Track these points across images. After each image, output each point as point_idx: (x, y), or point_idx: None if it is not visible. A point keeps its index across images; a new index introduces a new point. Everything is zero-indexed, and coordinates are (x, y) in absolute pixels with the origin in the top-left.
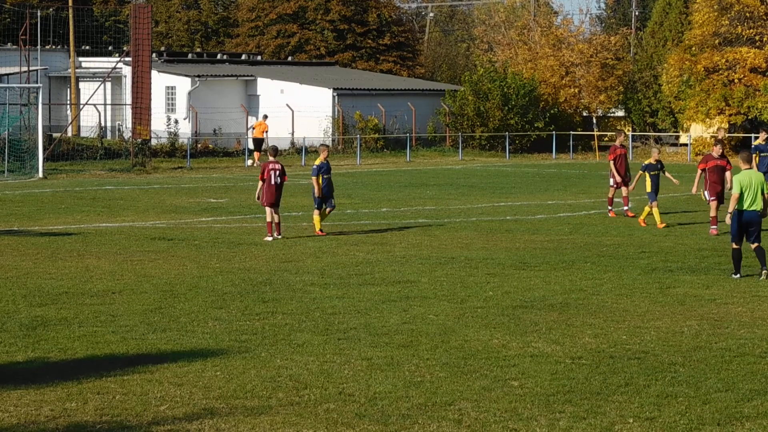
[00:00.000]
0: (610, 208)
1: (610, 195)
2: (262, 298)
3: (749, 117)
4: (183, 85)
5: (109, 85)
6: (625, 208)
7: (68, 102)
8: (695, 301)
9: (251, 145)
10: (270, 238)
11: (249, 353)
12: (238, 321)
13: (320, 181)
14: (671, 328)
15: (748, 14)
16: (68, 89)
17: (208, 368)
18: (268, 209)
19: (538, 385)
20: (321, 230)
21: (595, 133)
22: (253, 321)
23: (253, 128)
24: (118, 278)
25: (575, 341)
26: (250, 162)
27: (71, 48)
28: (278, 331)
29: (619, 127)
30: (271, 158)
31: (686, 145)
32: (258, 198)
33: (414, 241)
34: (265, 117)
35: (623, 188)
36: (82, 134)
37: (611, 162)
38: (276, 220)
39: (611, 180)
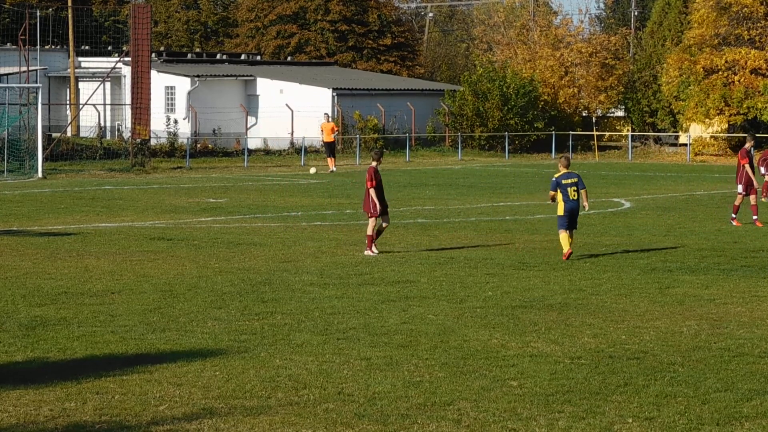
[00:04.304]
0: (734, 216)
1: (737, 203)
2: (262, 298)
3: (749, 117)
4: (182, 85)
5: (108, 85)
6: (755, 217)
7: (68, 102)
8: (694, 301)
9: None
10: (375, 252)
11: (248, 353)
12: (237, 321)
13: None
14: (670, 328)
15: (746, 14)
16: (68, 89)
17: (207, 368)
18: (373, 220)
19: (537, 385)
20: (569, 252)
21: (595, 133)
22: (252, 321)
23: (322, 131)
24: (118, 278)
25: (574, 341)
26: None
27: (71, 48)
28: (277, 331)
29: (750, 136)
30: (374, 163)
31: (686, 145)
32: (372, 208)
33: (413, 241)
34: (327, 116)
35: (752, 196)
36: (82, 134)
37: (746, 166)
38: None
39: (739, 187)
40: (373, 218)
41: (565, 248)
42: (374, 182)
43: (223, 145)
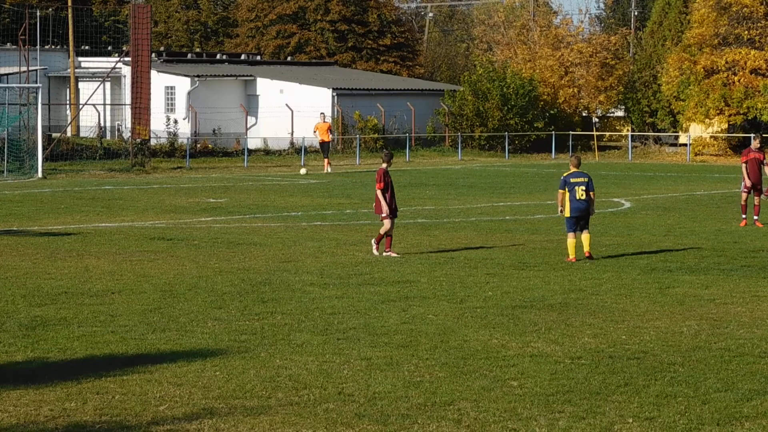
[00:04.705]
0: (744, 216)
1: (742, 202)
2: (262, 298)
3: (749, 117)
4: (182, 85)
5: (108, 85)
6: (755, 217)
7: (68, 102)
8: (694, 301)
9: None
10: (376, 253)
11: (248, 353)
12: (238, 321)
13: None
14: (670, 328)
15: (746, 14)
16: (68, 89)
17: (207, 368)
18: (388, 222)
19: (537, 385)
20: (576, 257)
21: (595, 133)
22: (252, 321)
23: (316, 131)
24: (118, 278)
25: (574, 341)
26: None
27: (71, 48)
28: (277, 331)
29: (756, 135)
30: (385, 165)
31: (686, 145)
32: (384, 212)
33: (413, 241)
34: (323, 115)
35: (756, 197)
36: (82, 134)
37: (742, 165)
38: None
39: (742, 185)
40: (386, 220)
41: (571, 254)
42: (383, 184)
43: (223, 145)
